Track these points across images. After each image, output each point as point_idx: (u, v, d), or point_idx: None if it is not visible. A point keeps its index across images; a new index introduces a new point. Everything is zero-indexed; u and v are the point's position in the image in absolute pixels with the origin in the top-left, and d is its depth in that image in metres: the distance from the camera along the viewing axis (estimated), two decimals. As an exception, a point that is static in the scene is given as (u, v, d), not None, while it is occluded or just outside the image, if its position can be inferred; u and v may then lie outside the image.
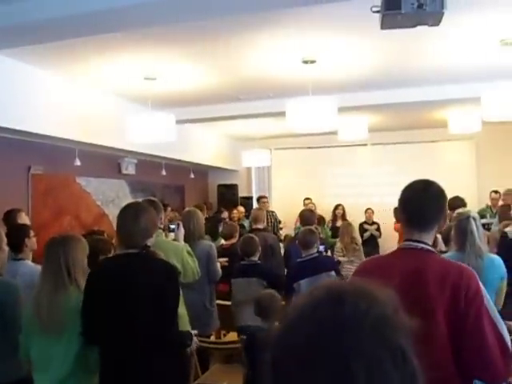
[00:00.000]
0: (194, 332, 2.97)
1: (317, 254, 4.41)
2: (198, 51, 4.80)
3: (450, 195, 5.89)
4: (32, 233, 3.58)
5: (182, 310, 3.44)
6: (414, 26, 2.85)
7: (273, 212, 8.61)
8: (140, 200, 7.22)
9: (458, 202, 5.36)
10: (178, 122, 6.05)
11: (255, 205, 9.45)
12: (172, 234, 4.04)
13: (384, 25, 2.83)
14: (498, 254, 4.06)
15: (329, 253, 6.10)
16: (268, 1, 3.18)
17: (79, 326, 2.43)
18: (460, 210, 3.48)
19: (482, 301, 1.70)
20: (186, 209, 4.92)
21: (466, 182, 9.12)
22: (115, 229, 2.70)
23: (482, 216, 8.04)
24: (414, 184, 1.95)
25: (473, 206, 7.92)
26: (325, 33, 4.38)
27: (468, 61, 5.22)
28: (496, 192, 7.87)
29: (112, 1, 3.16)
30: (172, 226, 3.99)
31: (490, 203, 7.98)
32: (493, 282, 3.06)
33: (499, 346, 1.66)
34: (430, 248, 1.85)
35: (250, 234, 4.74)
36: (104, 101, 6.20)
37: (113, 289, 2.45)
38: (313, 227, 5.05)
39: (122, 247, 2.60)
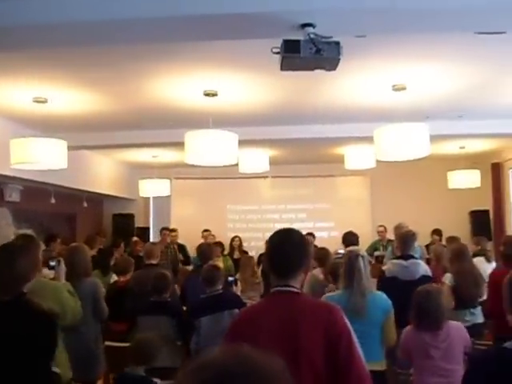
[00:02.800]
0: None
1: (221, 291, 4.27)
2: (94, 76, 4.56)
3: (346, 228, 6.04)
4: None
5: (62, 356, 3.12)
6: (312, 69, 2.89)
7: (174, 245, 8.35)
8: (26, 230, 6.75)
9: (351, 236, 5.52)
10: (71, 148, 5.68)
11: (152, 236, 9.12)
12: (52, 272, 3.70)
13: (283, 66, 2.83)
14: (377, 289, 4.18)
15: (239, 285, 5.92)
16: (168, 33, 3.06)
17: None
18: (350, 248, 3.57)
19: (350, 332, 1.89)
20: (71, 244, 4.59)
21: (362, 216, 9.52)
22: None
23: (376, 248, 8.47)
24: (276, 234, 2.09)
25: (367, 239, 8.29)
26: (226, 67, 4.36)
27: (363, 102, 5.47)
28: (381, 226, 8.51)
29: (5, 19, 2.88)
30: (52, 263, 3.65)
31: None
32: (375, 317, 3.19)
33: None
34: (297, 290, 2.01)
35: (163, 271, 4.51)
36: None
37: None
38: (216, 263, 4.92)
39: None
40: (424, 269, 4.41)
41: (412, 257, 4.47)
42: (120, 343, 4.42)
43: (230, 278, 4.77)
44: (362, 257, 3.31)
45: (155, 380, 3.12)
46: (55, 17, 2.87)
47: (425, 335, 3.08)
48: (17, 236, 3.51)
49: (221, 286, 4.29)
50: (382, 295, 3.37)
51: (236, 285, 4.74)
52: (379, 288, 4.32)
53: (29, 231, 6.90)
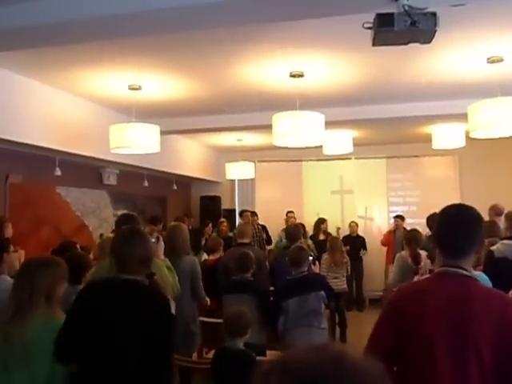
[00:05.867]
0: None
1: (306, 273, 4.29)
2: (183, 62, 4.72)
3: (433, 210, 5.82)
4: (12, 248, 3.41)
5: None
6: (406, 43, 2.82)
7: (259, 225, 8.51)
8: (123, 211, 7.17)
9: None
10: (163, 132, 5.95)
11: (237, 218, 9.32)
12: None
13: (376, 41, 2.78)
14: (484, 271, 4.02)
15: (317, 265, 5.99)
16: (255, 15, 3.11)
17: (47, 355, 2.24)
18: None
19: None
20: (172, 223, 4.80)
21: (450, 197, 9.11)
22: (110, 251, 2.49)
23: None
24: (446, 209, 1.93)
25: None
26: (313, 47, 4.34)
27: (455, 77, 5.24)
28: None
29: (99, 9, 3.06)
30: (152, 240, 3.85)
31: None
32: None
33: None
34: (469, 274, 1.81)
35: (246, 250, 4.57)
36: (86, 109, 6.06)
37: (102, 314, 2.26)
38: (302, 244, 4.97)
39: (120, 272, 2.40)
40: None
41: None
42: (211, 319, 4.59)
43: (309, 258, 4.80)
44: None
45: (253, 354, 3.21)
46: (142, 5, 2.99)
47: None
48: (121, 215, 3.70)
49: (306, 268, 4.31)
50: (483, 276, 3.22)
51: (315, 264, 4.78)
52: (488, 269, 4.16)
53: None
